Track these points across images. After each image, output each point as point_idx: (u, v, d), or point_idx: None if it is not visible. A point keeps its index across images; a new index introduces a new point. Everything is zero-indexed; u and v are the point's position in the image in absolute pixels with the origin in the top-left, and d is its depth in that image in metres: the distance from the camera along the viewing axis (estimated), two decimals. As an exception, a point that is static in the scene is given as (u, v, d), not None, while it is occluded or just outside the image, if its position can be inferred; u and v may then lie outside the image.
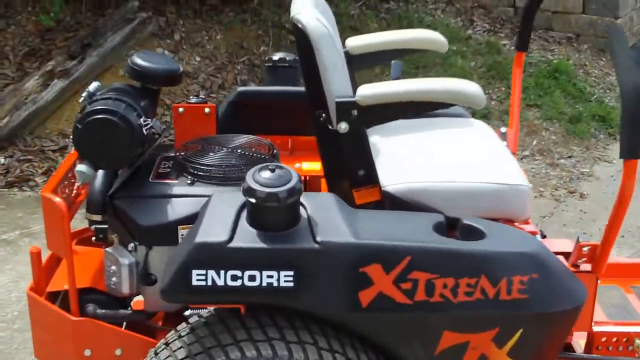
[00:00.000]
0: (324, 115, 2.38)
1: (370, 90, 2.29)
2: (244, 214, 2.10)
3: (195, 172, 2.55)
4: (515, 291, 2.05)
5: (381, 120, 2.39)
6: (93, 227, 2.51)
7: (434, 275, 2.03)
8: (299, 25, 2.35)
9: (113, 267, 2.50)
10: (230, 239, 2.02)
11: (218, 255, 2.01)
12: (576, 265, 2.35)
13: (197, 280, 2.01)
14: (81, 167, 2.43)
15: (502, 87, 6.72)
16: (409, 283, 2.03)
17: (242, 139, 2.73)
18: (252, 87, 3.15)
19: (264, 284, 2.01)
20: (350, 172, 2.39)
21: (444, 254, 2.05)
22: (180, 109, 2.78)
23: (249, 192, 2.01)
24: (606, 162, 5.87)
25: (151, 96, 2.67)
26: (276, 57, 3.17)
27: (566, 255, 2.40)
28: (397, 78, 3.05)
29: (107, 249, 2.50)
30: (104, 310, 2.52)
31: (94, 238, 2.53)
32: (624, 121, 2.07)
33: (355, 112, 2.29)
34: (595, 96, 6.79)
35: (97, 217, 2.50)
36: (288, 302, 2.04)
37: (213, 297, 2.04)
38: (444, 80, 2.37)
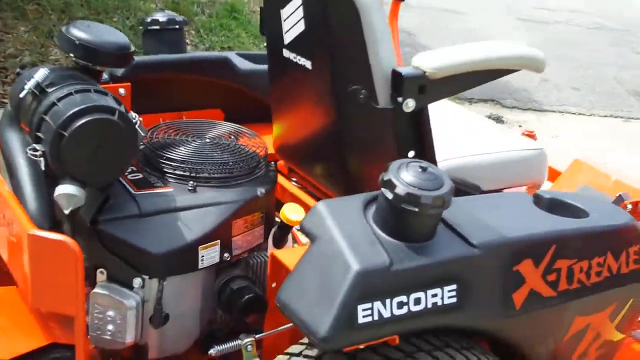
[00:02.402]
0: (363, 91, 2.00)
1: (440, 61, 1.98)
2: (371, 222, 1.70)
3: (190, 174, 2.01)
4: (632, 262, 1.97)
5: (447, 94, 2.07)
6: None
7: (572, 260, 1.86)
8: None
9: (110, 312, 1.89)
10: (391, 260, 1.62)
11: (383, 282, 1.61)
12: None
13: (364, 316, 1.59)
14: (68, 189, 1.76)
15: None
16: (554, 274, 1.83)
17: (215, 126, 2.22)
18: (148, 58, 2.51)
19: (429, 305, 1.66)
20: (398, 154, 2.06)
21: (581, 237, 1.88)
22: None
23: (409, 198, 1.62)
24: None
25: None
26: (159, 18, 2.60)
27: None
28: None
29: (97, 290, 1.87)
30: None
31: None
32: None
33: (422, 87, 1.96)
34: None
35: None
36: (451, 320, 1.72)
37: (379, 331, 1.63)
38: (506, 44, 2.13)
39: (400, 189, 1.62)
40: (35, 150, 1.78)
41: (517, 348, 1.90)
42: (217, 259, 1.97)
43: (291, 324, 1.98)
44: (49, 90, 1.84)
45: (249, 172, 2.08)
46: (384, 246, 1.64)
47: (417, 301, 1.64)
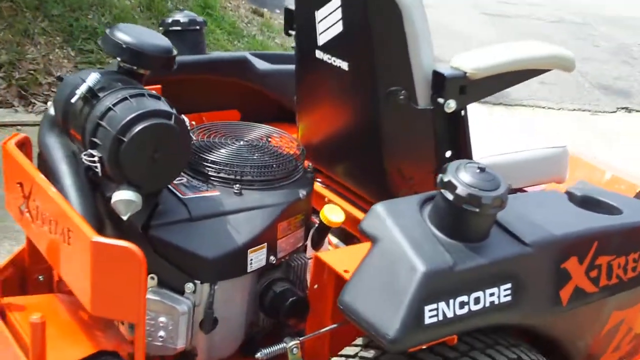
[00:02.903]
0: (403, 92, 2.04)
1: (481, 62, 2.03)
2: (428, 222, 1.74)
3: (235, 176, 2.03)
4: (661, 256, 2.04)
5: (486, 94, 2.11)
6: None
7: (612, 256, 1.92)
8: None
9: (162, 318, 1.90)
10: (454, 260, 1.66)
11: (447, 283, 1.65)
12: None
13: (430, 317, 1.63)
14: (127, 194, 1.77)
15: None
16: (596, 270, 1.90)
17: (251, 128, 2.24)
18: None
19: (487, 304, 1.71)
20: (436, 155, 2.10)
21: (619, 233, 1.94)
22: None
23: (470, 199, 1.66)
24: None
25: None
26: (180, 18, 2.60)
27: None
28: None
29: (148, 296, 1.87)
30: None
31: None
32: None
33: (463, 87, 2.01)
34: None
35: None
36: (505, 318, 1.76)
37: (442, 331, 1.67)
38: (540, 44, 2.18)
39: (462, 190, 1.66)
40: (91, 155, 1.78)
41: (558, 343, 1.95)
42: (264, 262, 1.99)
43: (335, 325, 2.02)
44: (101, 95, 1.84)
45: (290, 174, 2.10)
46: (445, 247, 1.68)
47: (477, 300, 1.69)
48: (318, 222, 2.14)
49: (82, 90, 1.85)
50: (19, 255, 2.29)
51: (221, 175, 2.04)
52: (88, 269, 1.71)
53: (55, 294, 2.24)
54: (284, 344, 1.94)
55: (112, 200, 1.78)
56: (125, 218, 1.79)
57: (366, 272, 1.70)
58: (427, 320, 1.62)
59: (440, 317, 1.64)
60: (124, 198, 1.77)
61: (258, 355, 1.91)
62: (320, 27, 2.19)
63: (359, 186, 2.31)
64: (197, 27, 2.57)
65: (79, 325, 2.01)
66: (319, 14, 2.17)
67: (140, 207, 1.79)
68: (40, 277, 2.27)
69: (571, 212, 1.96)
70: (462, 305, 1.67)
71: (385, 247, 1.70)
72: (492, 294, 1.71)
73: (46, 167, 2.01)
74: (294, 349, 1.96)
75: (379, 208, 1.75)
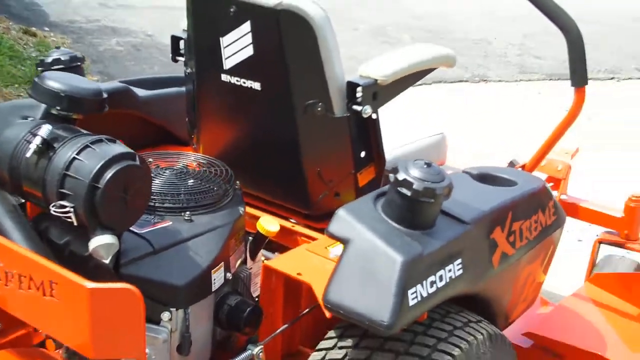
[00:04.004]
0: (320, 104, 2.23)
1: (388, 69, 2.25)
2: (385, 218, 1.95)
3: (181, 205, 2.12)
4: (551, 215, 2.38)
5: (392, 96, 2.33)
6: None
7: (521, 221, 2.24)
8: (298, 12, 2.13)
9: (147, 350, 1.96)
10: (422, 248, 1.88)
11: (420, 268, 1.87)
12: None
13: (412, 299, 1.85)
14: (106, 239, 1.83)
15: None
16: (512, 235, 2.20)
17: (178, 156, 2.32)
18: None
19: (447, 279, 1.95)
20: (353, 156, 2.31)
21: (524, 201, 2.26)
22: None
23: (426, 192, 1.89)
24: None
25: None
26: (61, 57, 2.59)
27: None
28: None
29: None
30: None
31: None
32: (572, 55, 2.52)
33: (375, 93, 2.23)
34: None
35: None
36: (459, 289, 2.01)
37: (421, 310, 1.89)
38: (429, 46, 2.43)
39: (418, 185, 1.88)
40: (62, 207, 1.81)
41: (489, 303, 2.24)
42: (222, 280, 2.10)
43: (287, 325, 2.19)
44: (56, 145, 1.86)
45: (226, 194, 2.22)
46: (410, 237, 1.90)
47: (441, 278, 1.93)
48: (255, 233, 2.28)
49: (36, 143, 1.86)
50: None
51: (166, 205, 2.12)
52: (86, 316, 1.74)
53: (5, 350, 2.20)
54: (250, 351, 2.09)
55: (92, 247, 1.82)
56: (107, 262, 1.84)
57: (345, 270, 1.88)
58: (411, 303, 1.84)
59: (419, 298, 1.86)
60: (104, 242, 1.82)
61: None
62: (226, 52, 2.31)
63: (278, 196, 2.47)
64: (79, 64, 2.58)
65: None
66: (225, 40, 2.29)
67: (117, 248, 1.85)
68: None
69: (481, 189, 2.25)
70: (432, 284, 1.90)
71: (358, 246, 1.88)
72: (449, 270, 1.96)
73: None
74: (260, 354, 2.10)
75: (342, 212, 1.93)
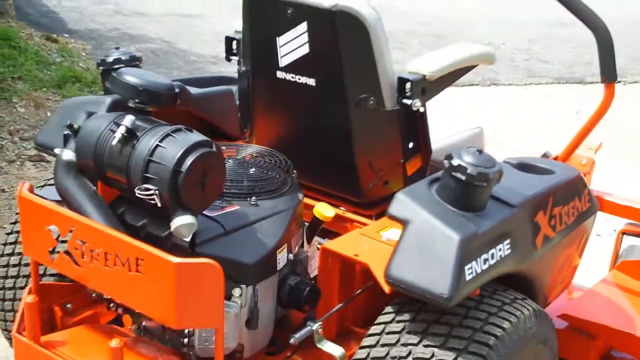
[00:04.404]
0: (372, 98, 2.39)
1: (435, 65, 2.42)
2: (441, 203, 2.10)
3: (247, 191, 2.28)
4: (586, 202, 2.55)
5: (439, 91, 2.50)
6: None
7: (560, 206, 2.40)
8: (353, 13, 2.30)
9: (216, 324, 2.12)
10: (476, 227, 2.04)
11: (475, 246, 2.03)
12: None
13: (468, 274, 2.01)
14: (187, 219, 1.99)
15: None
16: (553, 219, 2.36)
17: (239, 147, 2.49)
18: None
19: (498, 258, 2.11)
20: (402, 146, 2.47)
21: (563, 187, 2.42)
22: None
23: (480, 176, 2.04)
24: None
25: None
26: (121, 57, 2.75)
27: None
28: None
29: None
30: None
31: None
32: (602, 54, 2.68)
33: (424, 88, 2.39)
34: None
35: None
36: (508, 267, 2.17)
37: (475, 284, 2.05)
38: (472, 44, 2.60)
39: (472, 170, 2.04)
40: (147, 189, 1.97)
41: (531, 282, 2.40)
42: (286, 260, 2.26)
43: (341, 305, 2.34)
44: (139, 134, 2.02)
45: (286, 182, 2.38)
46: (464, 218, 2.06)
47: (492, 256, 2.09)
48: (311, 220, 2.44)
49: (120, 132, 2.02)
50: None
51: (232, 191, 2.27)
52: (171, 289, 1.91)
53: (81, 326, 2.36)
54: (310, 327, 2.24)
55: (174, 226, 1.98)
56: (188, 239, 2.00)
57: (405, 248, 2.04)
58: (467, 278, 2.00)
59: (474, 274, 2.02)
60: (185, 222, 1.98)
61: (292, 340, 2.19)
62: (282, 51, 2.47)
63: (330, 185, 2.62)
64: (137, 63, 2.73)
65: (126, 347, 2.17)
66: (282, 40, 2.46)
67: (196, 227, 2.01)
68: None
69: (523, 177, 2.41)
70: (485, 261, 2.06)
71: (417, 226, 2.04)
72: (500, 249, 2.12)
73: (70, 208, 2.15)
74: (319, 330, 2.26)
75: (401, 195, 2.10)
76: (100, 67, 2.70)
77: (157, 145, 1.99)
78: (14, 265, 2.69)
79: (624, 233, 3.34)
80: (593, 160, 3.42)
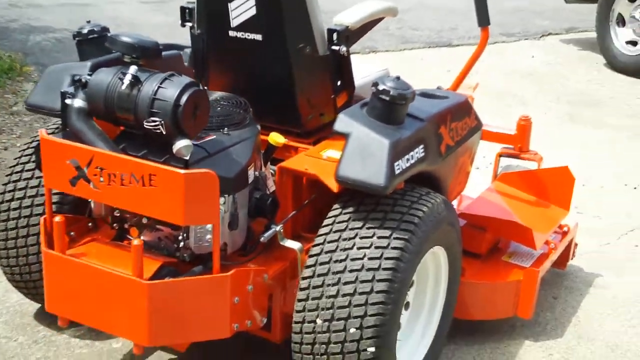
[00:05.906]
0: (308, 47, 3.05)
1: (355, 16, 3.12)
2: (372, 120, 2.78)
3: (220, 123, 2.90)
4: (473, 120, 3.30)
5: (359, 37, 3.18)
6: None
7: (456, 122, 3.14)
8: None
9: (209, 226, 2.74)
10: (400, 135, 2.74)
11: (400, 148, 2.73)
12: None
13: (397, 170, 2.71)
14: (186, 142, 2.61)
15: None
16: (452, 132, 3.10)
17: (211, 93, 3.11)
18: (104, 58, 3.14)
19: (415, 158, 2.82)
20: (332, 85, 3.15)
21: (457, 107, 3.16)
22: None
23: (400, 96, 2.74)
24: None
25: None
26: (94, 28, 3.28)
27: None
28: None
29: None
30: None
31: None
32: (477, 2, 3.42)
33: (347, 36, 3.08)
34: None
35: None
36: (422, 167, 2.88)
37: (402, 177, 2.75)
38: (381, 1, 3.29)
39: (394, 92, 2.74)
40: (153, 121, 2.57)
41: (438, 182, 3.12)
42: (253, 177, 2.90)
43: (295, 212, 3.01)
44: (142, 80, 2.62)
45: (247, 116, 3.01)
46: (390, 129, 2.75)
47: (412, 157, 2.80)
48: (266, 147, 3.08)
49: (128, 79, 2.61)
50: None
51: (209, 125, 2.89)
52: (180, 195, 2.52)
53: (92, 242, 2.93)
54: (274, 229, 2.89)
55: (176, 148, 2.58)
56: (187, 158, 2.62)
57: (349, 154, 2.72)
58: (396, 171, 2.69)
59: (401, 169, 2.72)
60: (185, 144, 2.59)
61: (262, 239, 2.85)
62: (233, 14, 3.09)
63: (276, 121, 3.26)
64: (107, 33, 3.27)
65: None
66: (233, 4, 3.07)
67: (192, 148, 2.62)
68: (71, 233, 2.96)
69: (428, 100, 3.13)
70: (407, 160, 2.76)
71: (357, 137, 2.72)
72: (416, 152, 2.83)
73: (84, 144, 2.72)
74: (281, 230, 2.91)
75: (342, 116, 2.78)
76: (77, 38, 3.25)
77: (159, 87, 2.59)
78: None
79: (500, 155, 4.13)
80: (472, 97, 4.20)
